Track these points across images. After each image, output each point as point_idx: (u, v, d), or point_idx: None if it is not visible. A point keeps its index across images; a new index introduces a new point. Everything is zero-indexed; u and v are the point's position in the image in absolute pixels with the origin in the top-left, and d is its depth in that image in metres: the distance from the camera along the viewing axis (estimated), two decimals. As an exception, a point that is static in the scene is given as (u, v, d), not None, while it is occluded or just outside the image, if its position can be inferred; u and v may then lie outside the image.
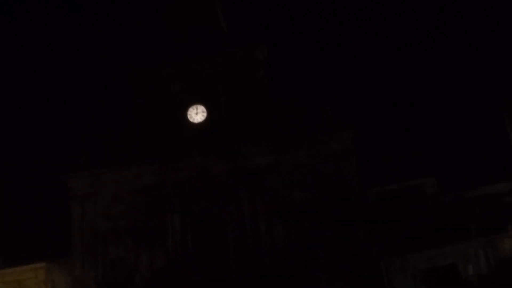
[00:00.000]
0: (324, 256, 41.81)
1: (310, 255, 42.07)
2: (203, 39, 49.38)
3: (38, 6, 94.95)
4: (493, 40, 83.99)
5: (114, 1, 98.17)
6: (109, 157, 47.36)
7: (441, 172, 48.07)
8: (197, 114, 47.15)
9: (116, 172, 46.57)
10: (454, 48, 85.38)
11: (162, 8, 51.93)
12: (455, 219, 44.87)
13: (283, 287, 41.16)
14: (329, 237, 42.54)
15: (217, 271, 42.93)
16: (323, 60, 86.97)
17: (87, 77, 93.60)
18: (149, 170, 46.01)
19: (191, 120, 47.15)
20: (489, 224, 43.74)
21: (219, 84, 47.61)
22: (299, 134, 44.85)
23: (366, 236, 42.13)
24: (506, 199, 46.47)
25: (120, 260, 45.06)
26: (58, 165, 50.56)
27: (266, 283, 41.33)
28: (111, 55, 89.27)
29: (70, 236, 46.39)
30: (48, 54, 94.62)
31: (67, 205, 47.16)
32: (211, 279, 42.26)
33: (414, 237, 43.20)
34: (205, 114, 47.05)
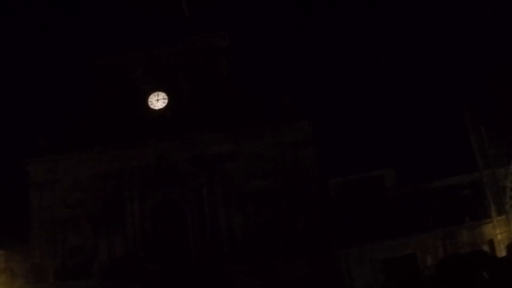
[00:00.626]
0: (282, 244, 41.88)
1: (269, 243, 42.17)
2: (165, 25, 49.04)
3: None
4: (454, 32, 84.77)
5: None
6: (68, 142, 46.77)
7: (401, 164, 48.40)
8: (157, 101, 46.94)
9: (75, 158, 46.16)
10: (415, 39, 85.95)
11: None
12: (414, 210, 45.28)
13: (242, 274, 41.13)
14: (288, 226, 42.75)
15: (176, 258, 42.76)
16: (284, 49, 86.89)
17: (47, 62, 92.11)
18: (108, 156, 45.70)
19: (151, 106, 46.92)
20: (448, 215, 44.22)
21: (180, 71, 47.35)
22: (259, 122, 44.88)
23: (325, 226, 42.30)
24: (464, 192, 47.05)
25: (79, 247, 44.86)
26: (16, 151, 49.66)
27: (224, 270, 41.25)
28: (72, 40, 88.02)
29: (29, 223, 45.90)
30: (7, 38, 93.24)
31: (25, 191, 46.64)
32: (170, 266, 42.05)
33: (373, 228, 43.49)
34: (166, 101, 46.85)
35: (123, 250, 43.87)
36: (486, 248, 40.78)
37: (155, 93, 47.08)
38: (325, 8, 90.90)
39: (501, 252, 38.16)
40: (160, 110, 46.75)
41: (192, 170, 44.43)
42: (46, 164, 46.32)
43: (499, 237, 41.69)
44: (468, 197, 46.85)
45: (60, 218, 45.33)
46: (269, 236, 42.50)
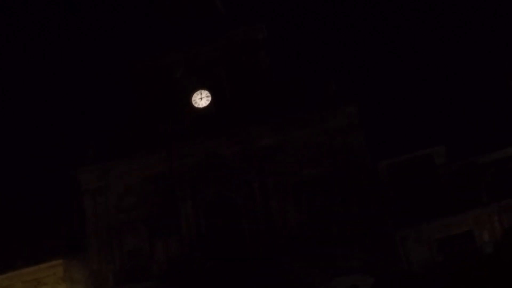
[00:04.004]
0: (337, 231, 41.87)
1: (324, 231, 42.13)
2: (202, 23, 49.18)
3: (35, 2, 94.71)
4: (494, 4, 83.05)
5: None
6: (117, 148, 47.42)
7: (450, 140, 47.69)
8: (201, 99, 47.09)
9: (124, 163, 46.74)
10: (455, 12, 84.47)
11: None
12: (467, 186, 44.69)
13: (298, 264, 41.16)
14: (342, 212, 42.52)
15: (232, 254, 42.93)
16: (324, 34, 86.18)
17: (89, 71, 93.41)
18: (158, 158, 46.12)
19: (195, 105, 47.09)
20: (501, 188, 43.57)
21: (221, 68, 47.47)
22: (304, 111, 44.66)
23: (378, 209, 42.07)
24: (516, 163, 46.26)
25: (136, 250, 45.34)
26: (67, 160, 50.51)
27: (281, 261, 41.34)
28: (111, 47, 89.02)
29: (84, 230, 46.66)
30: (49, 50, 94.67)
31: (79, 199, 47.42)
32: (227, 263, 42.34)
33: (427, 207, 43.09)
34: (209, 99, 46.97)
35: (179, 249, 44.24)
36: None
37: (198, 92, 47.20)
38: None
39: None
40: (204, 108, 46.91)
41: (242, 164, 44.48)
42: (96, 172, 47.03)
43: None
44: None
45: (115, 223, 46.00)
46: (324, 224, 42.43)
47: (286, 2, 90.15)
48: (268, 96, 46.05)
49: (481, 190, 43.81)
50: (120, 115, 50.06)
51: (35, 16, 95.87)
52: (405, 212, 43.06)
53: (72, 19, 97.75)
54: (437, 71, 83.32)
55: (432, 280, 38.78)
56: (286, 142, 44.48)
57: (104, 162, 47.07)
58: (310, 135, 44.26)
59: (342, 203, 42.68)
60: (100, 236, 45.98)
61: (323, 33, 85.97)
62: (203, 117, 46.48)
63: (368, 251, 40.95)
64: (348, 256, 41.14)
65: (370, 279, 38.77)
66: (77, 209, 47.68)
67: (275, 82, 46.56)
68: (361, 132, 43.93)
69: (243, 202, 44.05)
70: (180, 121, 46.83)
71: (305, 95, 45.30)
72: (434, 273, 39.77)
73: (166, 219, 44.86)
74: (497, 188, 43.85)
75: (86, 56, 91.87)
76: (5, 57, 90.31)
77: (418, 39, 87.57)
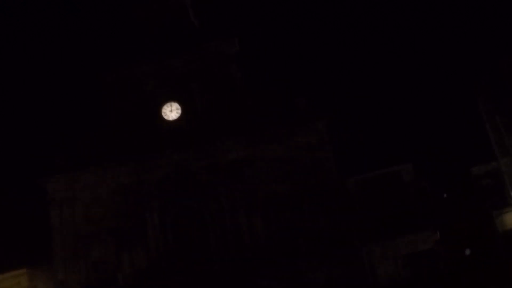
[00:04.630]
0: (305, 246, 41.86)
1: (292, 246, 42.12)
2: (175, 35, 49.08)
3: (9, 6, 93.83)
4: (467, 22, 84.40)
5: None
6: (85, 159, 46.96)
7: (418, 158, 48.39)
8: (171, 112, 46.91)
9: (93, 173, 46.31)
10: (426, 30, 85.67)
11: (132, 5, 51.41)
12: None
13: (266, 278, 41.17)
14: (310, 227, 42.60)
15: (200, 267, 42.64)
16: (295, 50, 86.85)
17: (60, 79, 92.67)
18: (126, 169, 45.81)
19: (165, 117, 46.87)
20: (467, 207, 44.20)
21: (192, 80, 47.34)
22: (274, 126, 44.76)
23: (346, 224, 42.22)
24: (482, 182, 46.99)
25: (103, 261, 44.91)
26: (34, 169, 50.03)
27: (249, 275, 41.28)
28: (82, 54, 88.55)
29: (50, 240, 46.11)
30: (22, 55, 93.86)
31: (45, 209, 46.83)
32: (194, 275, 42.12)
33: (394, 223, 43.53)
34: (179, 111, 46.81)
35: (146, 261, 43.86)
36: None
37: (168, 104, 47.01)
38: (334, 8, 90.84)
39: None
40: (174, 120, 46.70)
41: (211, 178, 44.38)
42: (64, 181, 46.49)
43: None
44: (487, 187, 46.77)
45: (81, 233, 45.50)
46: (292, 238, 42.42)
47: (259, 16, 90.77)
48: (238, 110, 46.08)
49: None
50: (90, 125, 50.23)
51: (11, 22, 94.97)
52: (372, 228, 43.47)
53: (47, 26, 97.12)
54: (407, 90, 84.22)
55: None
56: (256, 156, 44.49)
57: (72, 172, 46.54)
58: (280, 150, 44.33)
59: (310, 218, 42.78)
60: (66, 246, 45.41)
61: (296, 48, 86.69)
62: (173, 130, 46.28)
63: (335, 266, 41.05)
64: (315, 271, 41.15)
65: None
66: (43, 218, 47.12)
67: (246, 96, 46.57)
68: (330, 148, 44.11)
69: (211, 215, 43.91)
70: (149, 133, 46.61)
71: (275, 110, 45.41)
72: (400, 289, 40.20)
73: (134, 230, 44.50)
74: (463, 206, 44.47)
75: (58, 64, 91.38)
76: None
77: (387, 56, 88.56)
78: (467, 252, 42.53)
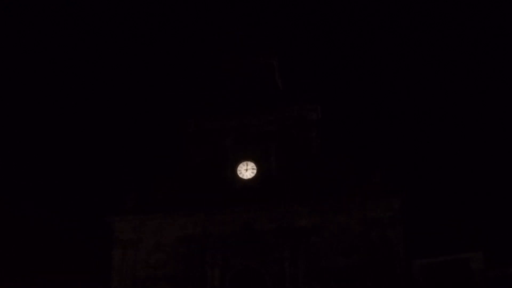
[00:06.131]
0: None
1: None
2: (259, 94, 49.84)
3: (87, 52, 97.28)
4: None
5: (172, 45, 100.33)
6: (155, 204, 47.56)
7: (489, 246, 46.74)
8: (246, 171, 47.13)
9: (160, 219, 46.73)
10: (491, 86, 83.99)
11: (221, 58, 52.69)
12: (501, 296, 43.61)
13: None
14: (370, 306, 41.55)
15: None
16: (376, 124, 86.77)
17: (140, 120, 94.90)
18: (193, 220, 45.99)
19: (240, 175, 47.11)
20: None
21: (270, 142, 47.57)
22: (346, 197, 44.28)
23: (408, 308, 41.05)
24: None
25: (157, 308, 44.89)
26: (103, 208, 50.73)
27: None
28: (166, 99, 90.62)
29: (109, 280, 46.37)
30: (103, 98, 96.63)
31: (108, 248, 47.37)
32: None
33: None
34: (254, 171, 46.96)
35: (201, 314, 43.65)
36: None
37: (244, 163, 47.26)
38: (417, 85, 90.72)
39: None
40: (248, 180, 46.87)
41: (276, 241, 43.91)
42: (132, 223, 47.08)
43: None
44: None
45: (140, 277, 45.71)
46: (350, 314, 41.48)
47: (344, 85, 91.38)
48: (313, 176, 45.80)
49: (515, 302, 42.62)
50: (165, 171, 50.24)
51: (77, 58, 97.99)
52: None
53: (136, 64, 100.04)
54: (484, 174, 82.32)
55: None
56: (324, 226, 43.94)
57: (140, 215, 47.14)
58: (349, 222, 43.70)
59: (372, 296, 41.74)
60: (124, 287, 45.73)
61: (377, 121, 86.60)
62: (246, 189, 46.41)
63: None
64: None
65: None
66: (105, 258, 47.54)
67: (322, 164, 46.36)
68: (401, 227, 43.16)
69: (272, 280, 43.20)
70: (222, 188, 46.83)
71: (349, 181, 44.97)
72: None
73: (192, 282, 44.36)
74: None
75: (141, 106, 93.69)
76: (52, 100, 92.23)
77: (464, 139, 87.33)
78: None
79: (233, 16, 55.02)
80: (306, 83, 52.44)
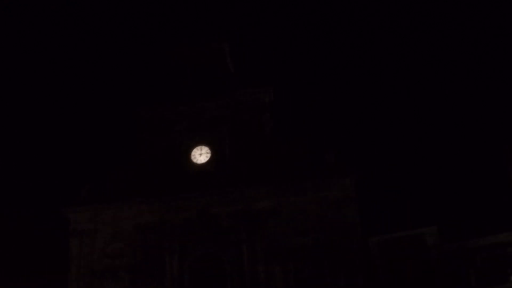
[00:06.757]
0: (323, 303, 41.34)
1: (309, 301, 41.59)
2: (210, 79, 49.71)
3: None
4: (494, 87, 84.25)
5: (120, 35, 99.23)
6: (111, 193, 47.19)
7: (443, 221, 47.63)
8: (201, 155, 47.05)
9: (116, 209, 46.38)
10: (454, 93, 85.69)
11: (171, 45, 52.36)
12: (456, 269, 44.48)
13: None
14: (328, 283, 41.94)
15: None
16: (329, 105, 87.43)
17: (91, 111, 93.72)
18: (149, 208, 45.77)
19: (194, 160, 47.02)
20: (491, 274, 43.36)
21: (224, 126, 47.63)
22: (301, 179, 44.63)
23: (366, 284, 41.58)
24: (509, 250, 46.09)
25: (116, 298, 44.67)
26: (58, 199, 50.31)
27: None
28: (116, 89, 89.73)
29: (67, 271, 45.92)
30: (56, 89, 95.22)
31: (65, 239, 46.88)
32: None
33: (415, 286, 42.81)
34: (208, 155, 46.94)
35: (161, 303, 43.56)
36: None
37: (198, 147, 47.21)
38: (367, 64, 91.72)
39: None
40: (202, 164, 46.84)
41: (234, 225, 44.12)
42: (87, 213, 46.59)
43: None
44: (512, 255, 45.87)
45: (98, 268, 45.30)
46: (310, 293, 41.88)
47: (295, 68, 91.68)
48: (267, 159, 46.01)
49: (470, 274, 43.58)
50: (119, 160, 49.99)
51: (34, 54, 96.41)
52: (392, 289, 42.79)
53: (85, 57, 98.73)
54: (436, 152, 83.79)
55: None
56: (281, 207, 44.22)
57: (96, 205, 46.67)
58: (305, 203, 44.06)
59: (329, 274, 42.16)
60: (81, 278, 45.17)
61: (329, 103, 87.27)
62: (200, 173, 46.37)
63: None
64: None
65: None
66: (62, 249, 47.14)
67: (276, 146, 46.57)
68: (355, 205, 43.79)
69: (230, 263, 43.45)
70: (176, 174, 46.68)
71: (303, 162, 45.36)
72: None
73: (151, 270, 44.18)
74: (487, 273, 43.63)
75: (91, 96, 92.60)
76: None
77: (416, 118, 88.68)
78: None
79: (183, 1, 54.68)
80: (257, 66, 52.65)
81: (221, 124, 47.67)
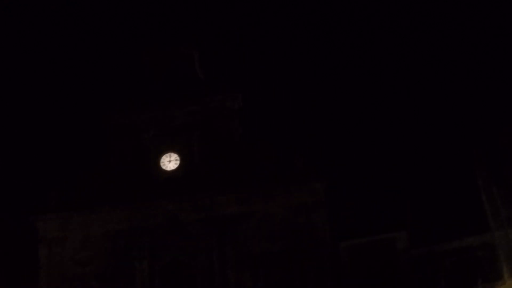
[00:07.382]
0: (292, 307, 41.44)
1: (279, 306, 41.65)
2: (180, 85, 49.46)
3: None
4: (466, 90, 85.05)
5: (91, 38, 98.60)
6: (79, 200, 46.74)
7: (413, 226, 47.96)
8: (170, 162, 46.92)
9: (85, 216, 45.98)
10: (422, 97, 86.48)
11: (140, 48, 52.13)
12: (426, 273, 44.84)
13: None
14: (298, 288, 42.19)
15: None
16: (298, 111, 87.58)
17: (60, 115, 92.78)
18: (119, 215, 45.53)
19: (163, 167, 46.86)
20: (460, 278, 43.75)
21: (193, 132, 47.51)
22: (271, 184, 44.74)
23: (335, 289, 41.85)
24: (478, 254, 46.55)
25: (86, 306, 44.33)
26: (26, 206, 49.62)
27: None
28: (86, 95, 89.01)
29: (36, 279, 45.45)
30: (23, 93, 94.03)
31: (34, 248, 46.37)
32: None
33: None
34: (178, 162, 46.80)
35: (131, 310, 43.37)
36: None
37: (168, 154, 47.05)
38: (337, 72, 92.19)
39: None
40: (172, 171, 46.70)
41: (203, 231, 44.12)
42: (56, 221, 46.13)
43: (512, 302, 41.17)
44: (480, 259, 46.34)
45: (68, 275, 44.93)
46: (280, 299, 41.92)
47: (264, 74, 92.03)
48: (237, 165, 46.05)
49: (440, 278, 43.97)
50: (88, 166, 49.49)
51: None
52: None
53: (55, 59, 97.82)
54: (405, 157, 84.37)
55: None
56: (250, 213, 44.33)
57: (64, 212, 46.25)
58: (275, 209, 44.19)
59: (299, 279, 42.35)
60: (51, 287, 44.77)
61: (299, 108, 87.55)
62: (170, 180, 46.23)
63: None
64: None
65: None
66: (31, 257, 46.59)
67: (245, 152, 46.59)
68: (325, 210, 44.00)
69: (200, 269, 43.41)
70: (146, 181, 46.50)
71: (273, 168, 45.40)
72: None
73: (121, 277, 44.02)
74: (456, 278, 44.03)
75: (60, 100, 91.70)
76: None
77: (385, 122, 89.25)
78: None
79: (152, 7, 54.53)
80: (226, 72, 52.72)
81: (190, 131, 47.54)
